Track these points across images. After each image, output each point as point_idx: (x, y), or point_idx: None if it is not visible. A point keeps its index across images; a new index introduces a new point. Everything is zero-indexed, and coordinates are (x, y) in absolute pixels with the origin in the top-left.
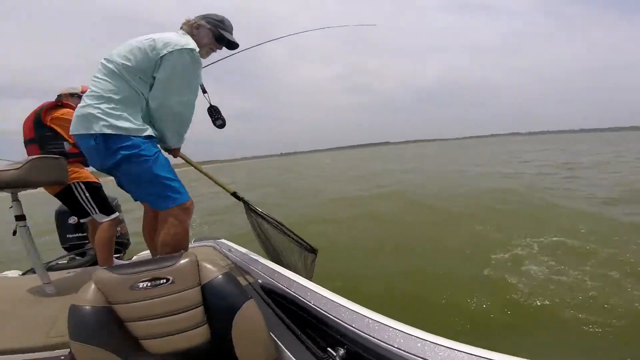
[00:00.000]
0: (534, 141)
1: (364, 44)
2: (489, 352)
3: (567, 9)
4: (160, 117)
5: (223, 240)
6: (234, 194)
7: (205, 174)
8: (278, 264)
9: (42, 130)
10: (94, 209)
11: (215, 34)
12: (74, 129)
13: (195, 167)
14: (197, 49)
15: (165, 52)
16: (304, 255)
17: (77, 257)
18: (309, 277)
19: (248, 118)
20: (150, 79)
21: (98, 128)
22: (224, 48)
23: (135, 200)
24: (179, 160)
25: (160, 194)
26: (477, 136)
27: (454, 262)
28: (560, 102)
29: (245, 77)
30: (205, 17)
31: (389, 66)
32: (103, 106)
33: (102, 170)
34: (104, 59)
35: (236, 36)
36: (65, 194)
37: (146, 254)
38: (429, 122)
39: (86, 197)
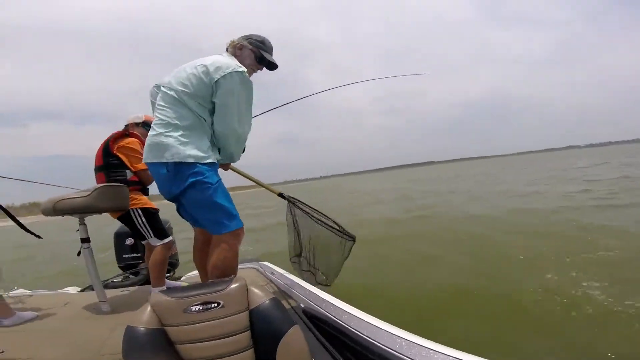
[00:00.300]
0: (592, 154)
1: (399, 61)
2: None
3: (608, 17)
4: (224, 139)
5: (266, 263)
6: (280, 194)
7: (254, 180)
8: (300, 263)
9: (108, 158)
10: (149, 232)
11: (257, 55)
12: (147, 157)
13: (243, 175)
14: (245, 70)
15: (217, 76)
16: (344, 244)
17: (131, 276)
18: (342, 262)
19: (289, 141)
20: (209, 103)
21: (170, 156)
22: (264, 69)
23: (194, 225)
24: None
25: (217, 220)
26: (529, 151)
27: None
28: (620, 110)
29: (285, 101)
30: (248, 38)
31: (429, 82)
32: (172, 134)
33: (168, 198)
34: (163, 86)
35: (279, 57)
36: (125, 218)
37: (195, 274)
38: (476, 139)
39: (143, 222)
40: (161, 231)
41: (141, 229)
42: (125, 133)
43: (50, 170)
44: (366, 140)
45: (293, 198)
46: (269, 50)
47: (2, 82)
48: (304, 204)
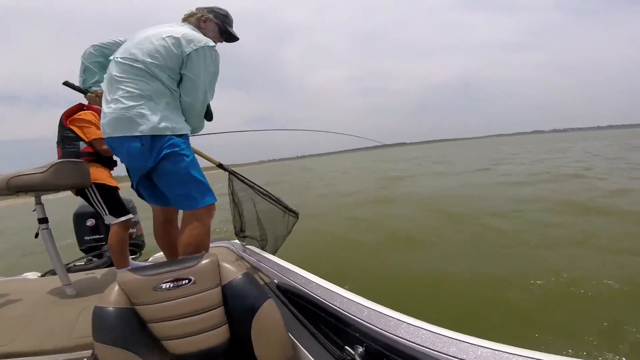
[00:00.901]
0: (557, 139)
1: (376, 45)
2: (511, 347)
3: (582, 5)
4: (191, 111)
5: (236, 241)
6: (220, 165)
7: (197, 152)
8: (243, 234)
9: (63, 132)
10: (104, 210)
11: (221, 28)
12: (111, 130)
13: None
14: (215, 45)
15: (189, 50)
16: (287, 218)
17: (94, 259)
18: (284, 238)
19: (264, 121)
20: (177, 75)
21: (146, 129)
22: (224, 42)
23: (152, 203)
24: None
25: (190, 195)
26: (502, 134)
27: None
28: (586, 98)
29: (263, 81)
30: (212, 11)
31: (403, 67)
32: (145, 106)
33: (138, 173)
34: (125, 57)
35: (248, 37)
36: (80, 194)
37: (161, 255)
38: (447, 122)
39: (97, 198)
40: (117, 209)
41: (95, 205)
42: (81, 107)
43: (7, 156)
44: (343, 121)
45: (234, 171)
46: (231, 23)
47: None
48: (246, 179)
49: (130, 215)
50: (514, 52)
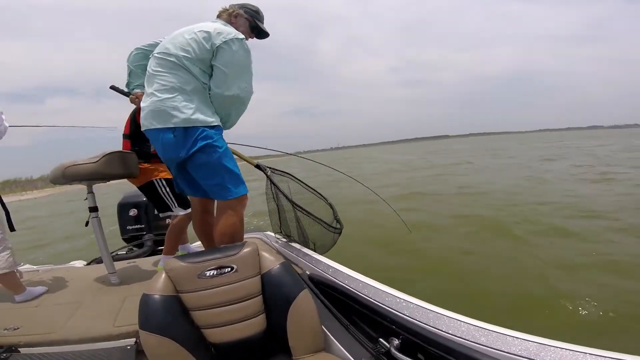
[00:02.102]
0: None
1: (420, 35)
2: (555, 341)
3: None
4: (223, 103)
5: (269, 233)
6: (257, 166)
7: (233, 151)
8: (289, 237)
9: (136, 128)
10: (174, 202)
11: (251, 24)
12: (148, 123)
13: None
14: (244, 38)
15: (219, 42)
16: (331, 234)
17: (135, 248)
18: (328, 249)
19: (299, 113)
20: (208, 68)
21: (178, 121)
22: (254, 38)
23: (191, 195)
24: None
25: (224, 185)
26: (552, 129)
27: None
28: None
29: (301, 72)
30: (244, 7)
31: (449, 58)
32: (178, 99)
33: (173, 164)
34: (161, 52)
35: (287, 30)
36: (148, 188)
37: (198, 244)
38: (494, 115)
39: (167, 192)
40: (185, 200)
41: (166, 199)
42: None
43: (68, 143)
44: (382, 112)
45: (274, 170)
46: (262, 19)
47: (16, 62)
48: (289, 175)
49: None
50: (568, 45)
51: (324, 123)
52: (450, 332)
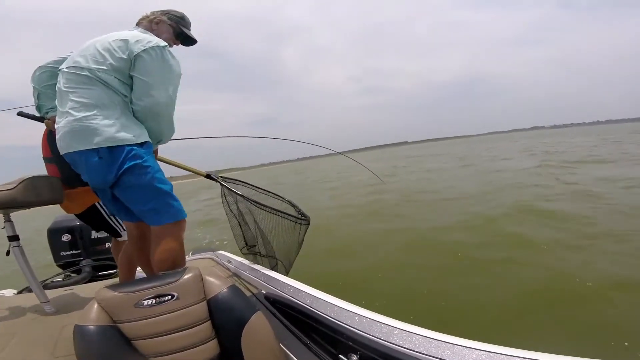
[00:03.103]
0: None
1: (376, 44)
2: (505, 348)
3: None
4: (149, 115)
5: (221, 252)
6: (208, 176)
7: (177, 164)
8: (256, 254)
9: (57, 150)
10: (120, 226)
11: (176, 30)
12: (66, 145)
13: (165, 161)
14: (167, 45)
15: (137, 50)
16: (298, 227)
17: (73, 275)
18: (297, 251)
19: (263, 124)
20: (128, 79)
21: (102, 141)
22: (180, 44)
23: (126, 219)
24: None
25: (158, 209)
26: (498, 132)
27: None
28: (583, 93)
29: (263, 82)
30: (167, 13)
31: (404, 65)
32: (98, 116)
33: (100, 188)
34: (71, 67)
35: (247, 38)
36: (91, 213)
37: (139, 271)
38: (447, 120)
39: (112, 215)
40: None
41: (112, 223)
42: None
43: (8, 161)
44: (344, 121)
45: (226, 178)
46: (188, 25)
47: None
48: (243, 182)
49: None
50: (513, 48)
51: (288, 134)
52: (403, 345)
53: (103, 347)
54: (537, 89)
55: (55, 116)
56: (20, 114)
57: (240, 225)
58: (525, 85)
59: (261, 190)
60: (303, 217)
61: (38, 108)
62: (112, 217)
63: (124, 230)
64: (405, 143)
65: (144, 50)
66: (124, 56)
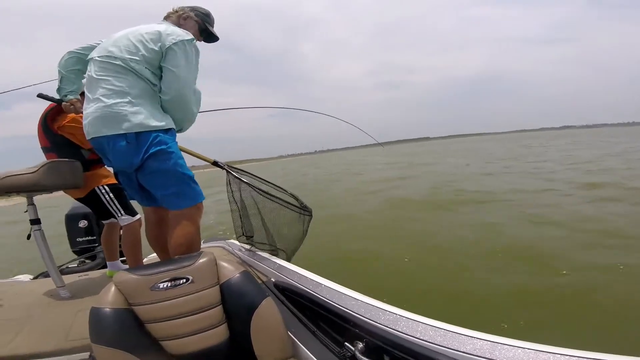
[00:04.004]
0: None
1: (395, 39)
2: (508, 339)
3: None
4: (175, 106)
5: (232, 241)
6: (215, 163)
7: (185, 150)
8: (253, 244)
9: (54, 138)
10: (119, 210)
11: (201, 27)
12: (96, 130)
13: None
14: (194, 39)
15: (169, 43)
16: (302, 219)
17: (87, 261)
18: (301, 241)
19: (284, 117)
20: (157, 70)
21: (131, 126)
22: (202, 41)
23: (143, 204)
24: None
25: (179, 193)
26: (526, 130)
27: None
28: (618, 92)
29: (283, 76)
30: (194, 9)
31: (423, 61)
32: (128, 103)
33: (124, 172)
34: (104, 55)
35: (265, 32)
36: (90, 197)
37: (154, 256)
38: (469, 117)
39: (111, 199)
40: (131, 208)
41: (110, 207)
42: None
43: (29, 149)
44: (362, 116)
45: (232, 167)
46: (212, 23)
47: None
48: (248, 173)
49: (140, 215)
50: (539, 46)
51: (306, 127)
52: (408, 333)
53: (117, 330)
54: (565, 88)
55: (74, 99)
56: (40, 95)
57: (240, 215)
58: (552, 83)
59: (266, 183)
60: (306, 209)
61: (58, 90)
62: (111, 201)
63: (121, 214)
64: (428, 139)
65: (175, 43)
66: (156, 48)
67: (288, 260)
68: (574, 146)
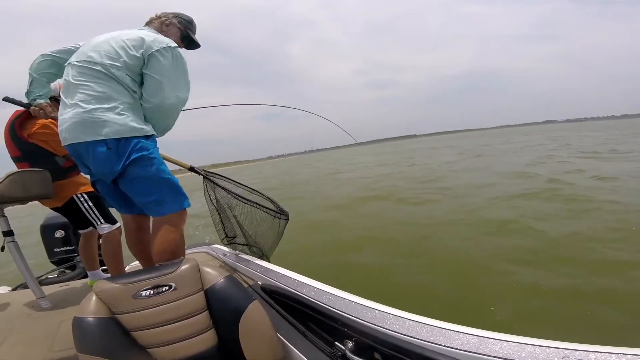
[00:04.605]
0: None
1: (384, 38)
2: (494, 333)
3: None
4: (159, 113)
5: (216, 245)
6: (192, 169)
7: (163, 157)
8: (235, 244)
9: (25, 146)
10: (98, 219)
11: (183, 33)
12: (74, 137)
13: None
14: (177, 46)
15: (151, 50)
16: (277, 222)
17: (67, 271)
18: (277, 242)
19: (271, 118)
20: (137, 76)
21: (110, 132)
22: (184, 48)
23: (122, 211)
24: None
25: (161, 199)
26: (510, 125)
27: None
28: (599, 87)
29: (271, 77)
30: (177, 16)
31: (411, 59)
32: (107, 109)
33: (107, 179)
34: (83, 60)
35: (253, 33)
36: (68, 206)
37: (136, 264)
38: (456, 113)
39: (90, 207)
40: (110, 215)
41: (89, 216)
42: (29, 114)
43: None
44: (352, 114)
45: (209, 172)
46: (194, 30)
47: None
48: (225, 178)
49: (120, 223)
50: (523, 44)
51: (295, 127)
52: (397, 330)
53: (102, 338)
54: (549, 84)
55: (44, 103)
56: (5, 99)
57: (220, 218)
58: (536, 79)
59: (243, 186)
60: (282, 212)
61: (27, 94)
62: (90, 209)
63: (101, 223)
64: (415, 136)
65: (158, 50)
66: (138, 54)
67: (267, 259)
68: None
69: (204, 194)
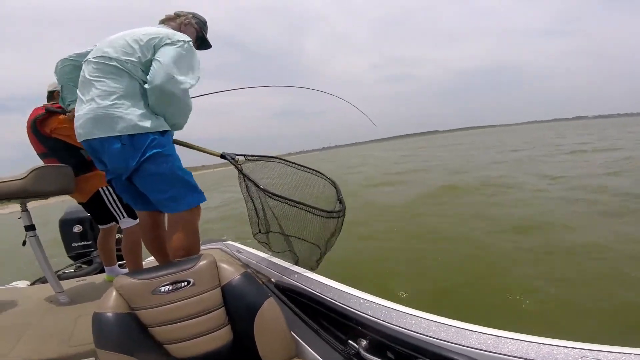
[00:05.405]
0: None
1: (396, 27)
2: (511, 333)
3: None
4: (160, 99)
5: (230, 242)
6: (222, 156)
7: (192, 146)
8: (269, 245)
9: (49, 143)
10: (121, 213)
11: (198, 34)
12: (88, 132)
13: (182, 144)
14: (192, 41)
15: (165, 42)
16: (333, 220)
17: (84, 266)
18: (334, 240)
19: (288, 115)
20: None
21: (125, 128)
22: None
23: (137, 208)
24: None
25: (177, 196)
26: (538, 121)
27: None
28: (627, 83)
29: (285, 74)
30: (195, 17)
31: (428, 53)
32: (123, 104)
33: (122, 176)
34: (99, 57)
35: (269, 29)
36: (94, 200)
37: (152, 260)
38: (478, 108)
39: (114, 200)
40: (133, 211)
41: (112, 209)
42: (51, 109)
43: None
44: (368, 109)
45: (249, 156)
46: (207, 31)
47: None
48: (267, 158)
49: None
50: (547, 38)
51: (312, 124)
52: (413, 329)
53: (121, 334)
54: (574, 79)
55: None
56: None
57: (256, 212)
58: (561, 74)
59: (294, 165)
60: (338, 211)
61: (62, 100)
62: (114, 202)
63: (124, 217)
64: (437, 132)
65: (171, 41)
66: (152, 49)
67: (313, 267)
68: None
69: (239, 182)
